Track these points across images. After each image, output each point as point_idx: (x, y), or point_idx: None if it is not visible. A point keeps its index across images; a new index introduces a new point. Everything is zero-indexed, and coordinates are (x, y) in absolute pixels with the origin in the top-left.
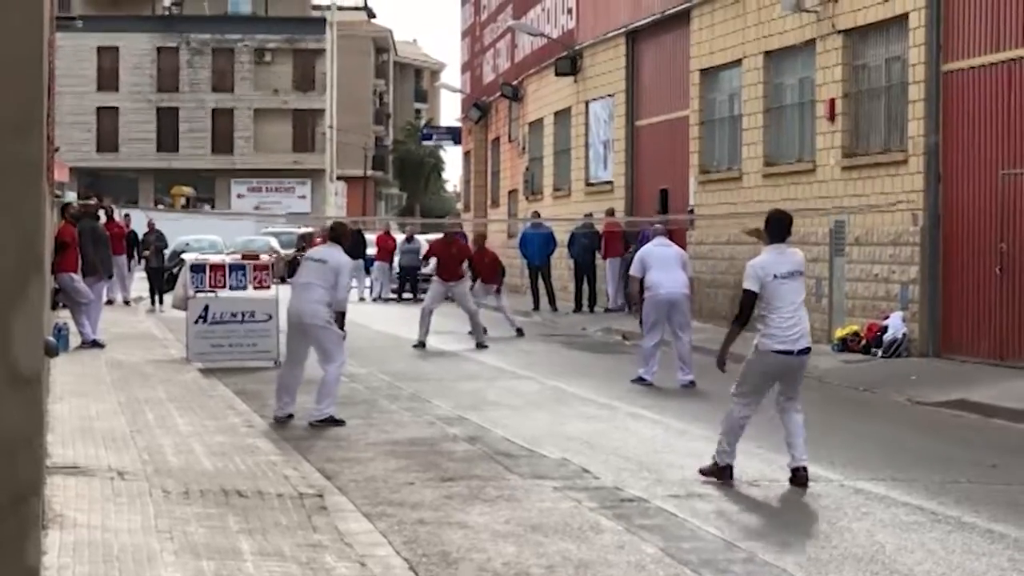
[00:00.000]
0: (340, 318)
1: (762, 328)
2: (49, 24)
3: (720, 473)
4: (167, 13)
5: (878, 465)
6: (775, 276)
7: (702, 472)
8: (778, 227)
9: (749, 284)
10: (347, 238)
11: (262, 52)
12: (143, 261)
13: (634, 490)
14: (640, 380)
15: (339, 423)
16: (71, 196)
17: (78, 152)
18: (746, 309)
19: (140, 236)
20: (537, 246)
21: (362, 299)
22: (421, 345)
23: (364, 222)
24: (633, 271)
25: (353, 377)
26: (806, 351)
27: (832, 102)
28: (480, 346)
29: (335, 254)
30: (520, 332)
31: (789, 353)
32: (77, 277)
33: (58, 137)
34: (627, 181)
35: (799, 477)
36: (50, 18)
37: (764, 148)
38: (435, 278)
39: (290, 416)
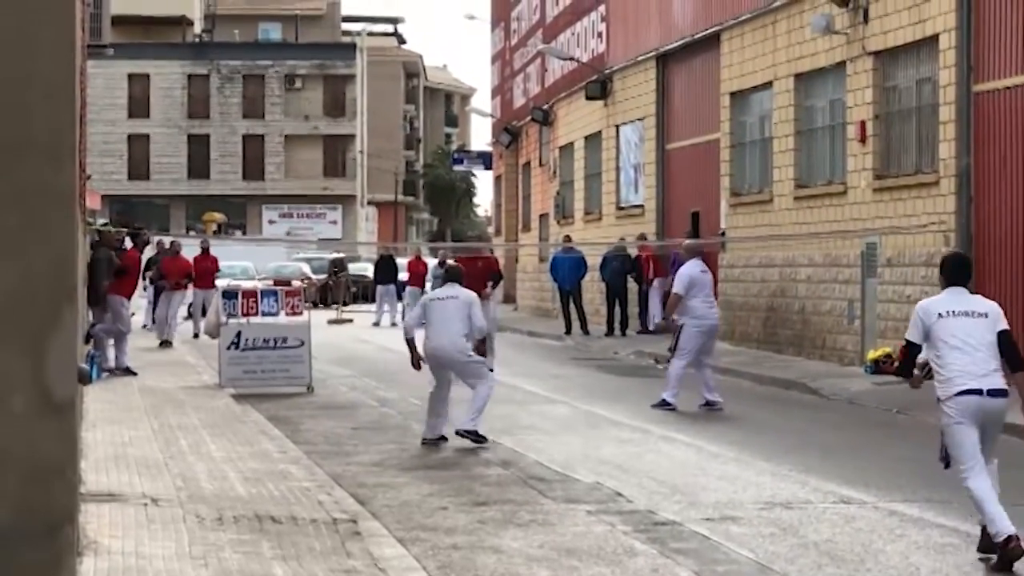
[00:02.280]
0: (481, 344)
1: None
2: (81, 52)
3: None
4: (198, 40)
5: (912, 487)
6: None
7: None
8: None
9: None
10: (463, 278)
11: (292, 78)
12: (151, 282)
13: (668, 513)
14: (664, 404)
15: (482, 440)
16: (101, 222)
17: (110, 180)
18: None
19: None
20: (568, 270)
21: (394, 324)
22: None
23: (396, 247)
24: (678, 289)
25: (385, 402)
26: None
27: (863, 124)
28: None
29: (461, 290)
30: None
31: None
32: (127, 302)
33: (90, 165)
34: (658, 204)
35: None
36: (82, 46)
37: (795, 170)
38: None
39: (442, 438)
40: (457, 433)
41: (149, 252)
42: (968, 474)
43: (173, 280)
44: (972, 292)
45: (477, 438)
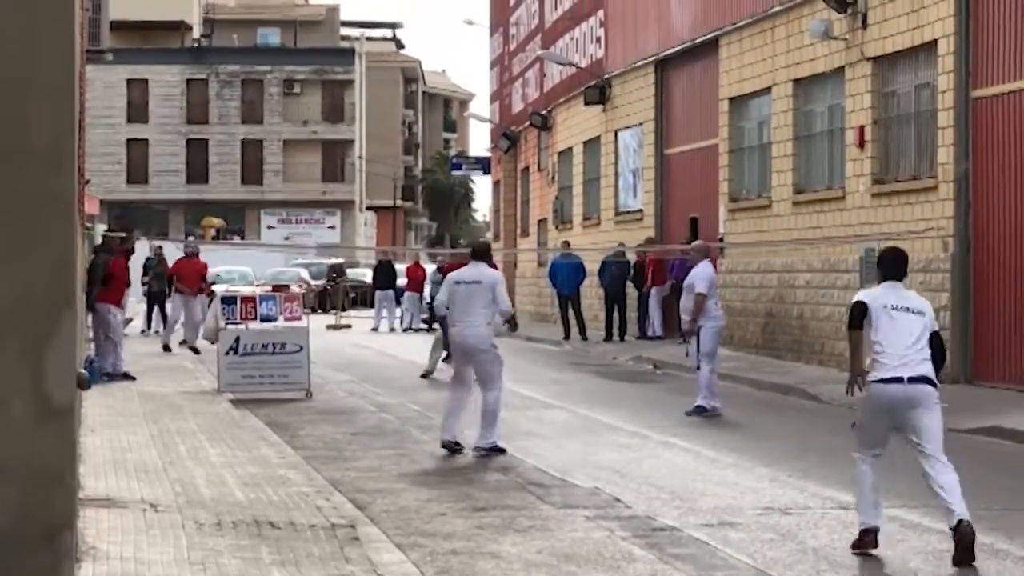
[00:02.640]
0: (512, 320)
1: None
2: (79, 57)
3: None
4: (196, 45)
5: (911, 492)
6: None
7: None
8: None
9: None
10: (491, 254)
11: (291, 83)
12: (145, 286)
13: (666, 519)
14: (701, 410)
15: (502, 451)
16: (101, 228)
17: (108, 184)
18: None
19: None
20: (567, 275)
21: (392, 329)
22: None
23: (395, 252)
24: (703, 289)
25: (384, 407)
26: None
27: (861, 129)
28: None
29: (485, 272)
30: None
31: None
32: (116, 310)
33: (88, 169)
34: (656, 210)
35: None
36: (80, 51)
37: (794, 176)
38: None
39: (459, 445)
40: (475, 451)
41: (143, 257)
42: (863, 457)
43: (189, 285)
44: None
45: (497, 450)
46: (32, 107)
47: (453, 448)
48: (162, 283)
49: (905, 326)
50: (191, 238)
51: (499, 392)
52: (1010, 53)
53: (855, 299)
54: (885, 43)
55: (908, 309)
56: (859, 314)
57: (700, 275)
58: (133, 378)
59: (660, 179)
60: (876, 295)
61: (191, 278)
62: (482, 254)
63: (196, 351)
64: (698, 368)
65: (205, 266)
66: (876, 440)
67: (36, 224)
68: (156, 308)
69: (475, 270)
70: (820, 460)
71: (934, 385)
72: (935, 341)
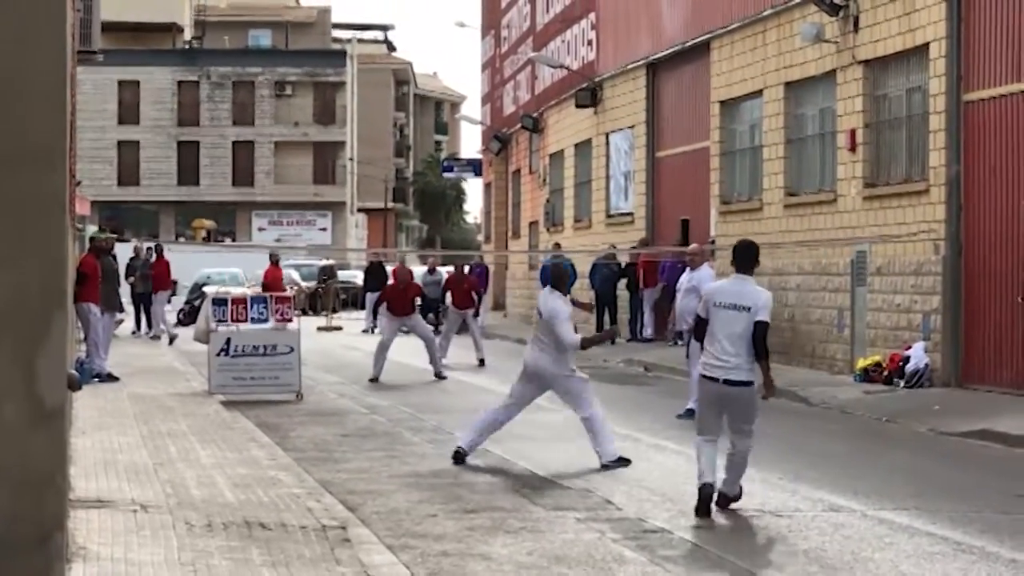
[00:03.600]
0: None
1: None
2: (71, 58)
3: None
4: (188, 47)
5: (902, 495)
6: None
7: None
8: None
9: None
10: (565, 279)
11: (282, 85)
12: (130, 287)
13: (657, 521)
14: (692, 413)
15: (626, 462)
16: (92, 229)
17: (99, 186)
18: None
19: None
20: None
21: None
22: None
23: (386, 254)
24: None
25: (375, 409)
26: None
27: (853, 132)
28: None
29: (548, 301)
30: (480, 362)
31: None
32: (96, 309)
33: (79, 171)
34: (647, 212)
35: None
36: (71, 52)
37: (785, 179)
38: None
39: (463, 455)
40: (604, 467)
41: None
42: (701, 437)
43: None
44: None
45: (623, 462)
46: (24, 109)
47: (462, 457)
48: (147, 284)
49: (727, 322)
50: (181, 239)
51: (597, 407)
52: (1001, 57)
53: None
54: (877, 46)
55: (734, 306)
56: (700, 330)
57: (706, 278)
58: (116, 379)
59: (651, 182)
60: (714, 290)
61: (275, 287)
62: (553, 280)
63: None
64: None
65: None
66: (708, 427)
67: (28, 226)
68: (142, 309)
69: (544, 298)
70: (811, 462)
71: (748, 384)
72: (757, 331)
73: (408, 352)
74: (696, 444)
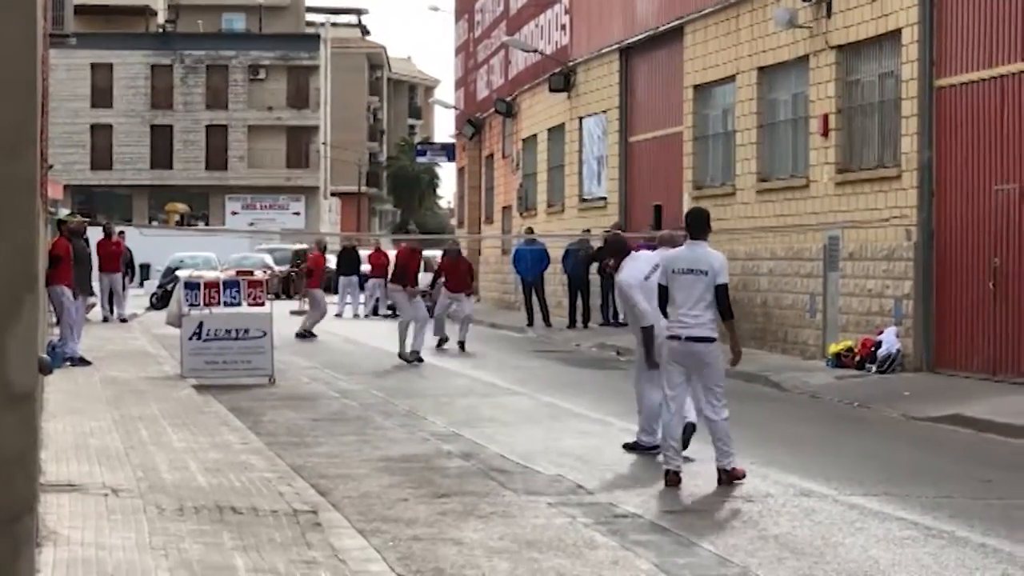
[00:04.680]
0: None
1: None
2: (43, 41)
3: None
4: (161, 30)
5: (872, 480)
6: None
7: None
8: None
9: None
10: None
11: (256, 69)
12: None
13: (628, 506)
14: (636, 447)
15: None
16: (64, 212)
17: (72, 170)
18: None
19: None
20: (531, 262)
21: (356, 316)
22: (443, 341)
23: (358, 239)
24: None
25: (347, 393)
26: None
27: (825, 118)
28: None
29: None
30: (461, 346)
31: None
32: (68, 292)
33: (52, 155)
34: (621, 197)
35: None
36: (43, 35)
37: (757, 164)
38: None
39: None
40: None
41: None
42: (670, 397)
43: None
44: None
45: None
46: None
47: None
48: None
49: (686, 286)
50: (154, 223)
51: (656, 397)
52: (973, 42)
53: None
54: (849, 32)
55: (691, 271)
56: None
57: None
58: (89, 363)
59: (624, 167)
60: (671, 257)
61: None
62: (619, 249)
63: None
64: None
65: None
66: (674, 382)
67: None
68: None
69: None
70: (783, 448)
71: (709, 340)
72: (719, 294)
73: (385, 337)
74: (664, 400)
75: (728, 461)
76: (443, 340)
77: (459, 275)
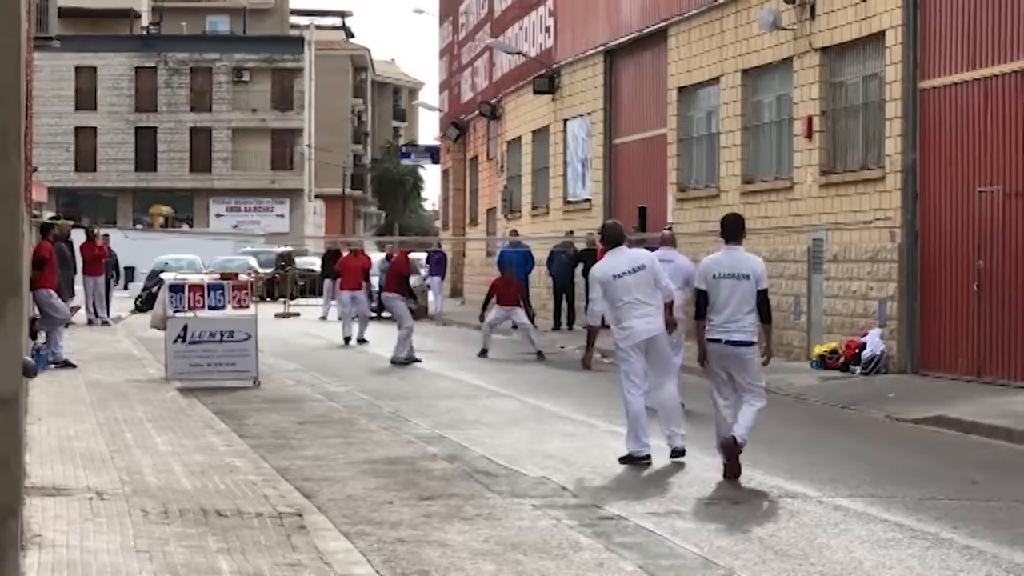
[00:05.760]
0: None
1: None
2: (27, 44)
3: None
4: (145, 33)
5: (857, 482)
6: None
7: None
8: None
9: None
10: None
11: (240, 71)
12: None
13: (613, 508)
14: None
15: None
16: (48, 215)
17: (56, 172)
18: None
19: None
20: (515, 264)
21: (340, 318)
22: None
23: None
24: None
25: (331, 396)
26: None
27: (809, 120)
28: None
29: (636, 255)
30: (540, 355)
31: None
32: (54, 295)
33: (36, 157)
34: (605, 199)
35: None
36: (27, 38)
37: (742, 166)
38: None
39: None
40: (674, 453)
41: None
42: (720, 399)
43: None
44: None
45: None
46: None
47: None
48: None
49: (728, 291)
50: (138, 226)
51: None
52: (957, 44)
53: (697, 287)
54: (833, 34)
55: (733, 275)
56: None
57: (689, 268)
58: (74, 366)
59: (609, 169)
60: (711, 262)
61: (353, 275)
62: (617, 238)
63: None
64: None
65: (369, 261)
66: (722, 389)
67: None
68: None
69: (637, 255)
70: (767, 449)
71: (749, 344)
72: (760, 300)
73: (370, 339)
74: (715, 407)
75: (742, 432)
76: (485, 351)
77: (512, 290)
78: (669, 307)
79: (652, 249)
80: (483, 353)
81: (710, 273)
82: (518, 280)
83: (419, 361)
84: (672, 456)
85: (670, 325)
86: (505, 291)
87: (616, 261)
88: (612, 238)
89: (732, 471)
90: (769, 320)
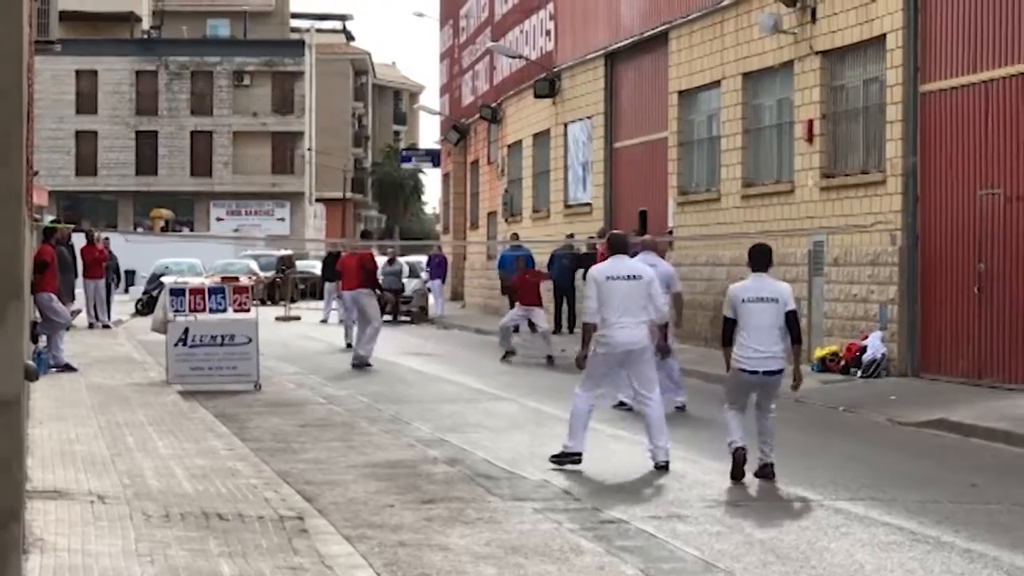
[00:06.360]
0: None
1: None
2: (28, 48)
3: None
4: (146, 36)
5: (858, 485)
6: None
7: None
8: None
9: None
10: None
11: (241, 75)
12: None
13: (614, 511)
14: (622, 404)
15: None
16: (49, 219)
17: (57, 176)
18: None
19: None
20: (515, 268)
21: (341, 321)
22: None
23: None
24: (678, 288)
25: (332, 399)
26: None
27: (810, 123)
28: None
29: (636, 266)
30: (550, 360)
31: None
32: (55, 298)
33: (37, 161)
34: (606, 203)
35: (765, 472)
36: (29, 42)
37: (742, 169)
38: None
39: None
40: (658, 468)
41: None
42: (730, 409)
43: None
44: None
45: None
46: None
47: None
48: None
49: (757, 314)
50: (139, 229)
51: (661, 402)
52: (958, 48)
53: (725, 315)
54: (834, 37)
55: (761, 299)
56: (728, 329)
57: (670, 271)
58: (75, 369)
59: (609, 172)
60: (738, 289)
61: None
62: (622, 246)
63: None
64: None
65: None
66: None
67: None
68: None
69: (624, 264)
70: None
71: (781, 372)
72: (790, 320)
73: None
74: (727, 415)
75: (768, 455)
76: (510, 353)
77: (534, 289)
78: (664, 331)
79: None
80: (507, 356)
81: (739, 298)
82: (527, 267)
83: (370, 366)
84: (656, 468)
85: (663, 351)
86: (527, 290)
87: (614, 265)
88: (617, 245)
89: (738, 474)
90: (799, 340)
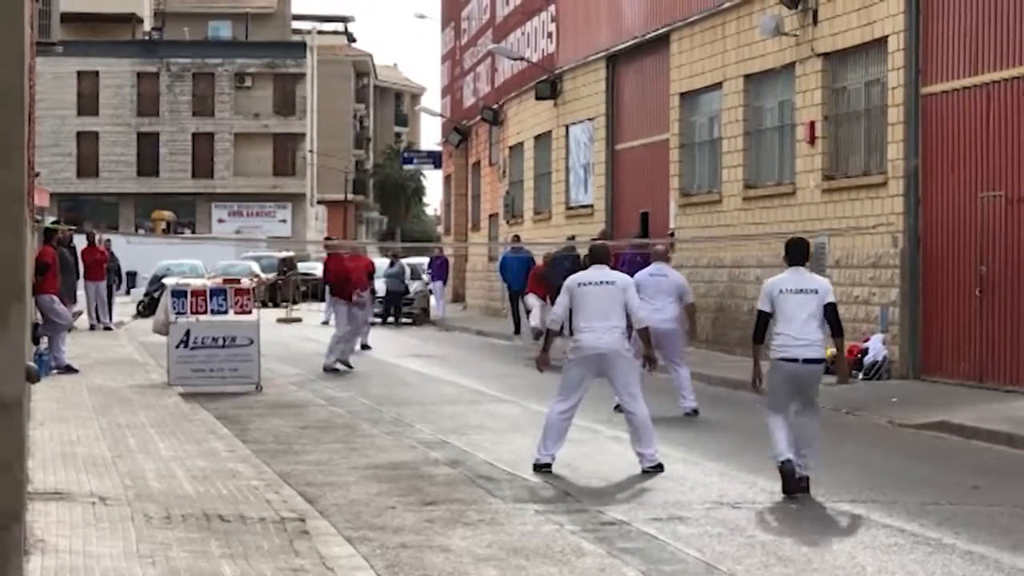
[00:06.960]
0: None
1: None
2: (29, 50)
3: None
4: (147, 38)
5: (859, 487)
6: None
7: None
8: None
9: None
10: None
11: (242, 76)
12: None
13: (615, 513)
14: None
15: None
16: (50, 220)
17: (58, 177)
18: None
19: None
20: (517, 270)
21: None
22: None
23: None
24: (690, 298)
25: (333, 401)
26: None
27: (812, 125)
28: None
29: (611, 273)
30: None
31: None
32: (56, 300)
33: (38, 162)
34: (607, 204)
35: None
36: (30, 44)
37: (744, 171)
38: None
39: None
40: (645, 472)
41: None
42: (772, 413)
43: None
44: (811, 270)
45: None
46: None
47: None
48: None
49: (797, 305)
50: (140, 231)
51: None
52: (959, 50)
53: (759, 309)
54: (836, 39)
55: (800, 290)
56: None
57: (680, 282)
58: (76, 371)
59: (611, 174)
60: (776, 281)
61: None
62: (602, 258)
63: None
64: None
65: (372, 264)
66: (781, 405)
67: None
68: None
69: (603, 272)
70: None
71: (821, 361)
72: (829, 312)
73: (373, 344)
74: (771, 424)
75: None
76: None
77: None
78: (645, 338)
79: (646, 261)
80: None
81: (776, 289)
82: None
83: (336, 371)
84: (644, 472)
85: (650, 360)
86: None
87: (588, 273)
88: (596, 256)
89: (791, 487)
90: (841, 334)
